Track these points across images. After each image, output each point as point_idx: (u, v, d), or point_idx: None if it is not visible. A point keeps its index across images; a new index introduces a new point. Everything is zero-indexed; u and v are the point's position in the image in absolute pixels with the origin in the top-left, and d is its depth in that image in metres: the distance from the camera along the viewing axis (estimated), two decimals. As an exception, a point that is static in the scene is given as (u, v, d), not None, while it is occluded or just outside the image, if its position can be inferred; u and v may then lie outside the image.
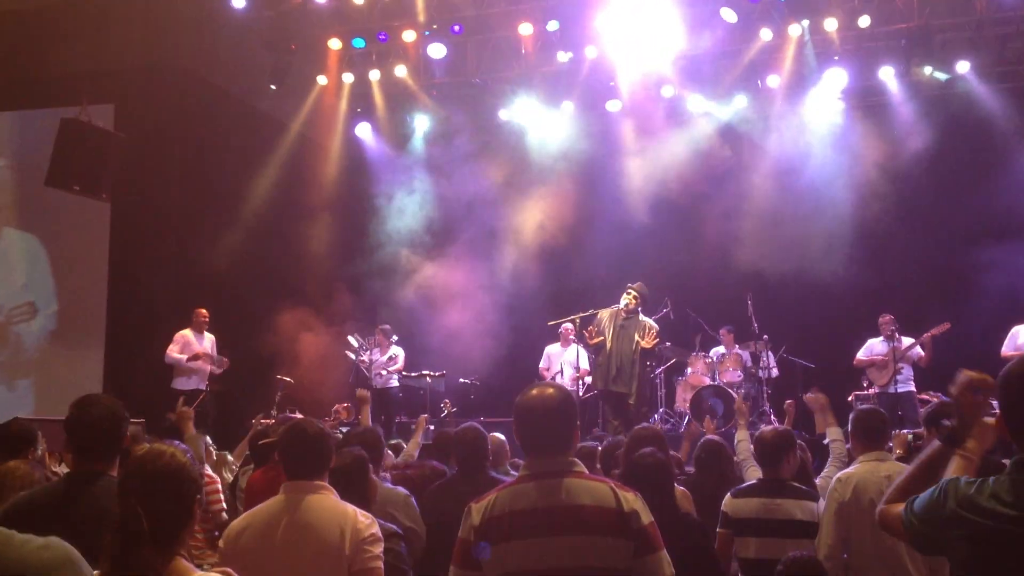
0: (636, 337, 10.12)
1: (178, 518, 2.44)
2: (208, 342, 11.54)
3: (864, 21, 11.85)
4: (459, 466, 5.18)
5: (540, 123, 13.89)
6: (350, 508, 3.53)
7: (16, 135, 13.27)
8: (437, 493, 5.07)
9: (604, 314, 10.35)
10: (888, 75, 12.66)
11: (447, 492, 4.96)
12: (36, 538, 1.80)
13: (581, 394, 11.09)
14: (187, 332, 11.46)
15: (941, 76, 12.41)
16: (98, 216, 12.48)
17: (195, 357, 11.26)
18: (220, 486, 6.37)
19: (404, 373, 12.47)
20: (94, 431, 3.46)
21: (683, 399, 11.90)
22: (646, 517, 2.96)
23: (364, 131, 14.47)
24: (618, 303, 10.50)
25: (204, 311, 11.52)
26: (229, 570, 2.51)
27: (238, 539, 3.49)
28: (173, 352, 11.28)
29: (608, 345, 10.15)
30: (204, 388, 11.26)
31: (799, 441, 5.38)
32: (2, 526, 1.96)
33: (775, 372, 12.01)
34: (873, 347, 11.28)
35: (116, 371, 12.05)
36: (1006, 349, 10.54)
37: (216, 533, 6.10)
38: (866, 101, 13.26)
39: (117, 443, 3.48)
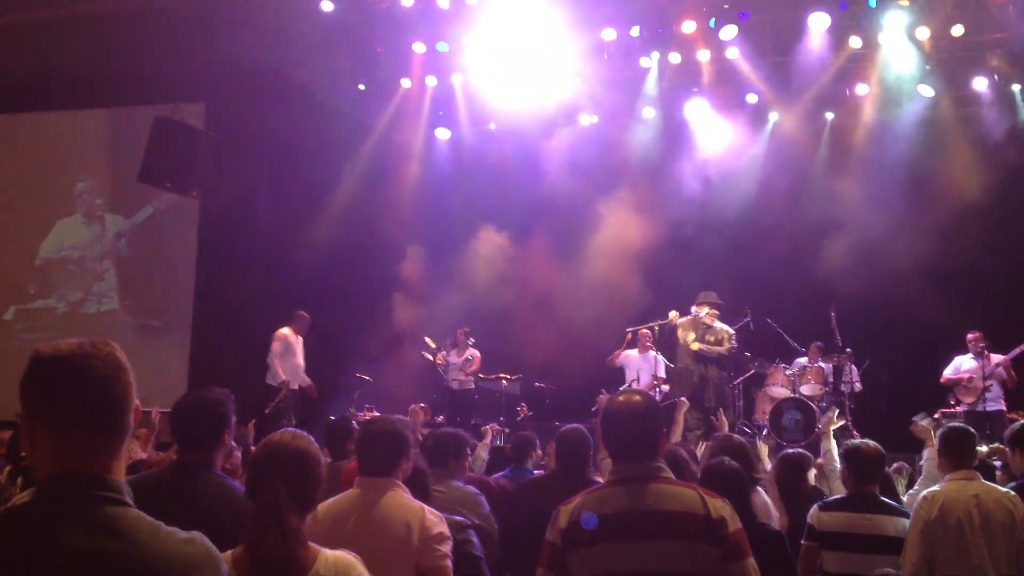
0: (711, 341, 10.05)
1: (311, 493, 2.76)
2: (300, 343, 11.76)
3: (958, 30, 11.56)
4: (559, 465, 5.18)
5: (620, 128, 13.85)
6: (418, 505, 3.59)
7: (111, 131, 13.64)
8: (534, 489, 5.07)
9: (683, 321, 10.28)
10: (982, 86, 12.37)
11: (545, 490, 4.95)
12: (180, 531, 1.77)
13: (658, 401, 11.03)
14: (287, 331, 11.69)
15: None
16: (188, 212, 12.79)
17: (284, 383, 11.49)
18: None
19: (480, 375, 12.52)
20: (200, 421, 3.54)
21: (763, 411, 11.73)
22: (734, 524, 2.96)
23: (445, 135, 14.58)
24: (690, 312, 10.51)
25: (305, 315, 11.73)
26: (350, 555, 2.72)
27: (311, 530, 3.55)
28: (276, 350, 11.54)
29: (689, 358, 10.10)
30: (293, 387, 11.49)
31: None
32: None
33: (858, 386, 11.77)
34: (961, 365, 10.99)
35: (200, 365, 12.34)
36: None
37: None
38: (960, 112, 12.94)
39: (220, 436, 3.55)
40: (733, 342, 10.31)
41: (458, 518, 4.09)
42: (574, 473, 4.98)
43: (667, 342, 11.20)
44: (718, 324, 10.26)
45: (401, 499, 3.58)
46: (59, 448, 1.74)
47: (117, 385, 1.80)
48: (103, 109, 13.59)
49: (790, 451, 5.94)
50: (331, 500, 3.68)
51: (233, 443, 3.85)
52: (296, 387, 11.65)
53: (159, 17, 12.49)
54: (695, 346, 10.23)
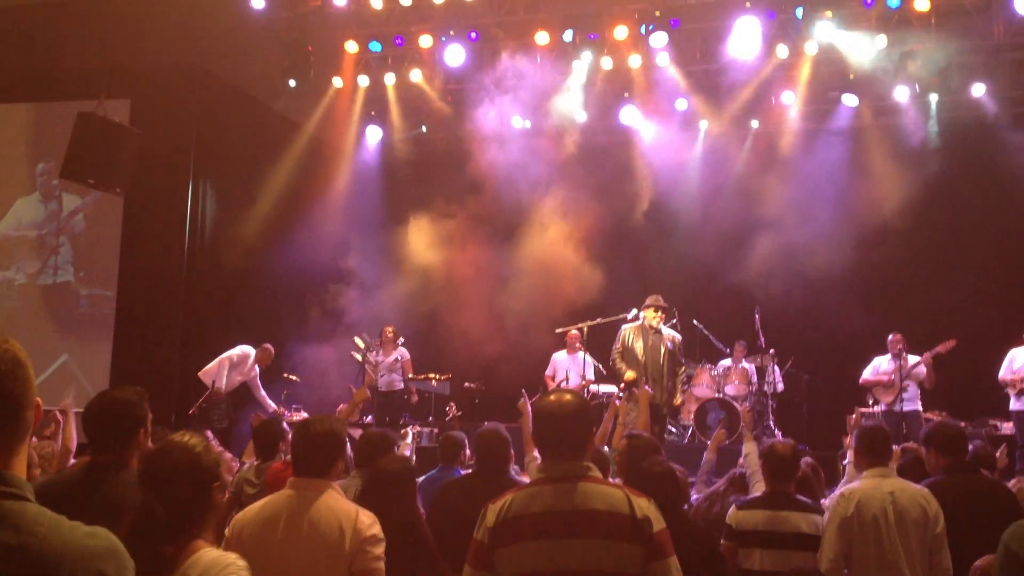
0: (663, 349, 10.10)
1: (195, 506, 2.59)
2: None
3: (881, 41, 11.85)
4: (478, 466, 5.19)
5: (553, 131, 13.94)
6: (352, 507, 3.57)
7: (33, 127, 13.35)
8: (454, 491, 5.08)
9: (629, 330, 10.31)
10: (903, 96, 12.72)
11: (465, 491, 4.97)
12: (83, 525, 1.77)
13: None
14: (253, 354, 11.67)
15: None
16: (112, 209, 12.57)
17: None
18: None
19: (410, 375, 12.49)
20: (110, 421, 3.51)
21: (687, 411, 11.91)
22: (658, 524, 3.01)
23: (376, 135, 14.51)
24: (628, 314, 10.55)
25: (270, 348, 11.78)
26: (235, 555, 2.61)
27: (243, 531, 3.54)
28: (233, 359, 11.51)
29: (641, 358, 10.12)
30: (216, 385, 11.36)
31: (809, 458, 5.40)
32: None
33: (780, 386, 12.03)
34: (879, 365, 11.27)
35: (123, 364, 12.10)
36: (1003, 373, 10.60)
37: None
38: (881, 122, 13.29)
39: (133, 436, 3.51)
40: (681, 346, 10.42)
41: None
42: (494, 472, 5.01)
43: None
44: (666, 330, 10.32)
45: (335, 501, 3.56)
46: None
47: (15, 382, 1.79)
48: (25, 104, 13.27)
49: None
50: (263, 500, 3.67)
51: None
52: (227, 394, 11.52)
53: (82, 11, 12.25)
54: (677, 401, 10.30)
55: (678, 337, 10.39)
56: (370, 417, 11.63)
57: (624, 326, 10.40)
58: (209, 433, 7.64)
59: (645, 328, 10.18)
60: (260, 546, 3.45)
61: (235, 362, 11.50)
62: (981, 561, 3.94)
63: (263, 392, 11.79)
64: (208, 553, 2.56)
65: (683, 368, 10.41)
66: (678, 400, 10.39)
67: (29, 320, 12.92)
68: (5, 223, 13.27)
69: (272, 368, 12.09)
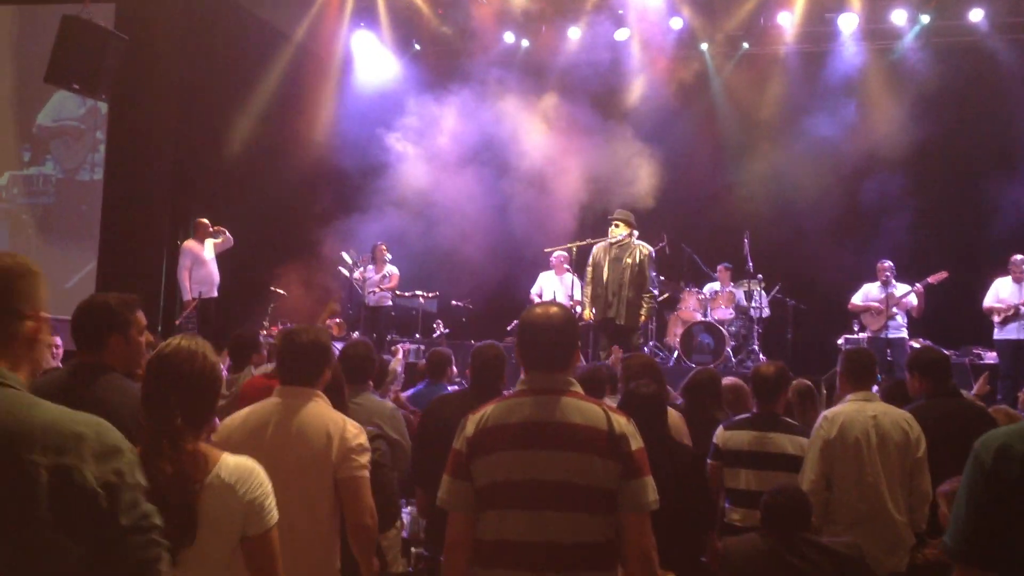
0: (627, 262, 10.02)
1: (203, 409, 2.69)
2: (209, 250, 11.53)
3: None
4: (472, 380, 5.20)
5: (543, 47, 13.71)
6: (339, 416, 3.59)
7: (16, 30, 13.05)
8: (447, 405, 5.06)
9: (598, 249, 10.28)
10: (901, 19, 12.55)
11: (458, 405, 4.96)
12: (66, 408, 1.95)
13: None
14: (190, 242, 11.47)
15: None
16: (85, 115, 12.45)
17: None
18: None
19: (397, 292, 12.48)
20: (89, 323, 3.50)
21: (674, 333, 11.96)
22: (635, 442, 3.00)
23: (363, 44, 14.23)
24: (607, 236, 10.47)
25: (205, 220, 11.49)
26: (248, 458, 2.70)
27: (230, 436, 3.54)
28: (183, 264, 11.40)
29: (605, 276, 10.08)
30: (204, 296, 11.32)
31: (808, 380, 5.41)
32: None
33: (767, 312, 12.06)
34: (868, 293, 11.29)
35: (109, 272, 12.03)
36: (988, 302, 10.66)
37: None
38: (876, 44, 13.11)
39: (106, 338, 3.49)
40: (651, 261, 10.22)
41: (371, 428, 4.09)
42: (488, 388, 5.00)
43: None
44: (636, 242, 10.19)
45: (322, 409, 3.59)
46: None
47: (11, 291, 1.99)
48: (8, 6, 12.95)
49: (700, 371, 6.05)
50: (249, 408, 3.68)
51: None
52: (213, 295, 11.48)
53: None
54: (642, 317, 10.16)
55: (647, 249, 10.17)
56: (357, 332, 11.65)
57: (595, 245, 10.36)
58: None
59: (610, 246, 10.14)
60: (248, 452, 3.44)
61: (187, 264, 11.40)
62: (947, 484, 3.98)
63: (185, 273, 11.42)
64: (228, 459, 2.64)
65: (650, 282, 10.20)
66: (643, 316, 10.23)
67: (65, 217, 12.79)
68: (43, 115, 13.04)
69: (259, 282, 12.04)
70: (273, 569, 2.62)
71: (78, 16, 10.18)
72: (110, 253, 12.29)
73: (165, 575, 1.96)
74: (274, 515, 2.65)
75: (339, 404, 3.85)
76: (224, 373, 6.61)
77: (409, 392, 6.94)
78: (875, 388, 5.51)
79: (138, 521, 1.91)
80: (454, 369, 7.21)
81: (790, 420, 5.09)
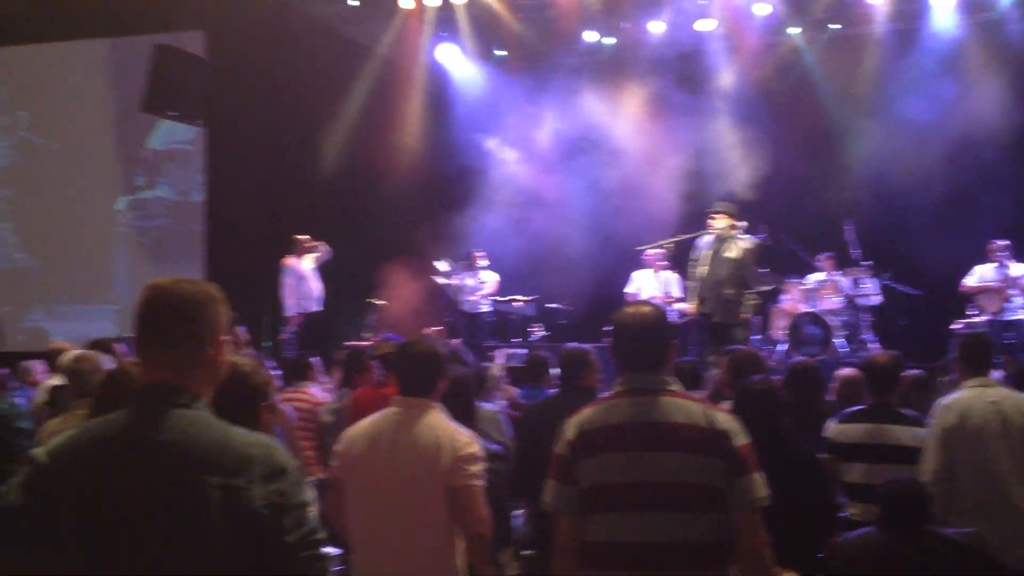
0: (727, 256, 9.70)
1: (245, 425, 2.63)
2: (309, 264, 11.73)
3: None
4: (562, 384, 5.19)
5: (626, 42, 13.57)
6: (451, 425, 3.65)
7: (112, 62, 13.53)
8: (539, 409, 5.07)
9: (699, 243, 10.01)
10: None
11: (549, 409, 4.94)
12: (243, 430, 2.13)
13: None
14: (291, 259, 11.72)
15: None
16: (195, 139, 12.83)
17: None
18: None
19: (495, 298, 12.49)
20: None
21: (779, 326, 11.67)
22: (739, 439, 2.95)
23: (446, 55, 14.31)
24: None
25: (302, 236, 11.70)
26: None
27: (352, 446, 3.69)
28: (284, 282, 11.64)
29: (704, 271, 9.80)
30: (307, 311, 11.54)
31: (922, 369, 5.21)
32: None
33: (876, 299, 11.66)
34: (983, 274, 10.86)
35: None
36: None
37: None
38: (980, 18, 12.59)
39: None
40: (754, 254, 9.83)
41: (493, 447, 4.17)
42: (576, 389, 4.97)
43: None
44: (739, 235, 9.82)
45: (435, 419, 3.65)
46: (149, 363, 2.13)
47: (199, 315, 2.15)
48: (102, 39, 13.46)
49: (802, 360, 5.87)
50: (372, 417, 3.78)
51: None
52: (316, 309, 11.69)
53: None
54: (745, 315, 9.81)
55: (750, 243, 9.77)
56: (458, 340, 11.66)
57: (698, 239, 10.07)
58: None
59: (714, 238, 9.82)
60: (367, 460, 3.62)
61: (289, 282, 11.58)
62: None
63: (287, 291, 11.68)
64: None
65: (752, 277, 9.83)
66: (743, 314, 9.77)
67: (179, 238, 13.27)
68: (155, 138, 13.52)
69: (359, 294, 12.20)
70: None
71: (170, 45, 10.50)
72: (215, 272, 12.63)
73: None
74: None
75: (464, 414, 3.92)
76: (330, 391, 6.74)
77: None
78: (995, 373, 5.28)
79: (302, 538, 2.02)
80: (553, 372, 7.16)
81: (906, 411, 4.90)
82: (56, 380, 6.24)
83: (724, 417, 2.99)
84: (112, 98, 13.24)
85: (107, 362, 4.80)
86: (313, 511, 2.08)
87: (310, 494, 2.07)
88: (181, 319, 2.11)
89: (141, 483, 1.96)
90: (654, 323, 3.12)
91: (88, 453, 2.00)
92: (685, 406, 3.00)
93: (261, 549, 1.97)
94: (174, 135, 13.26)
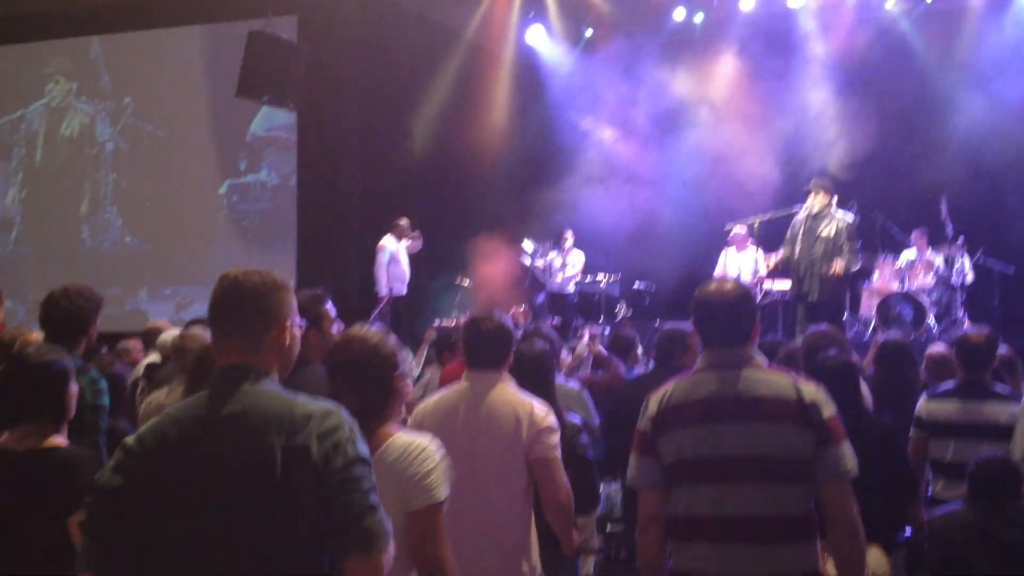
0: (823, 234, 9.54)
1: (379, 394, 2.81)
2: (403, 250, 11.96)
3: None
4: (657, 363, 5.26)
5: (714, 22, 13.44)
6: (527, 398, 3.68)
7: (206, 48, 13.88)
8: (633, 388, 5.14)
9: (796, 221, 9.88)
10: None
11: (641, 387, 4.99)
12: (311, 399, 2.30)
13: (758, 300, 10.77)
14: (388, 239, 11.87)
15: None
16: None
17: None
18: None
19: (580, 277, 12.52)
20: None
21: (868, 306, 11.46)
22: (827, 410, 2.95)
23: (537, 35, 14.33)
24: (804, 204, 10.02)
25: (404, 222, 11.92)
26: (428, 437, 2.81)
27: (423, 421, 3.70)
28: (380, 261, 11.81)
29: (798, 250, 9.68)
30: (396, 294, 11.75)
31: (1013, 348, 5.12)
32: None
33: (970, 277, 11.37)
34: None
35: (307, 273, 12.64)
36: None
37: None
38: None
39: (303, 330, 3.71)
40: (852, 231, 9.67)
41: (573, 419, 4.18)
42: (672, 369, 4.99)
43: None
44: (835, 212, 9.67)
45: (509, 392, 3.69)
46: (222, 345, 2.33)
47: (262, 301, 2.32)
48: (197, 26, 13.81)
49: (893, 338, 5.81)
50: (441, 392, 3.84)
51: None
52: (403, 292, 11.90)
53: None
54: (831, 230, 9.55)
55: (845, 219, 9.65)
56: (556, 319, 11.72)
57: (795, 216, 9.95)
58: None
59: (808, 217, 9.68)
60: (442, 434, 3.54)
61: (383, 261, 11.77)
62: None
63: (382, 269, 11.78)
64: (400, 438, 2.75)
65: (851, 253, 9.72)
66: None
67: (280, 221, 13.59)
68: (257, 123, 13.83)
69: (446, 273, 12.36)
70: (434, 545, 2.65)
71: (263, 31, 10.75)
72: (307, 254, 12.92)
73: (382, 522, 2.19)
74: (440, 492, 2.68)
75: (543, 390, 3.95)
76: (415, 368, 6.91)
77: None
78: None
79: (352, 479, 2.16)
80: (639, 351, 7.20)
81: (1000, 388, 4.82)
82: (152, 358, 6.53)
83: (812, 389, 2.98)
84: (213, 84, 13.51)
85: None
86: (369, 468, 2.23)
87: (362, 448, 2.22)
88: (247, 307, 2.30)
89: (214, 453, 2.16)
90: (737, 298, 3.11)
91: (170, 435, 2.22)
92: (771, 379, 3.00)
93: (315, 493, 2.14)
94: (275, 120, 13.52)
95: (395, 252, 11.86)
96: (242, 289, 2.31)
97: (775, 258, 9.91)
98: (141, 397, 5.56)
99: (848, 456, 2.92)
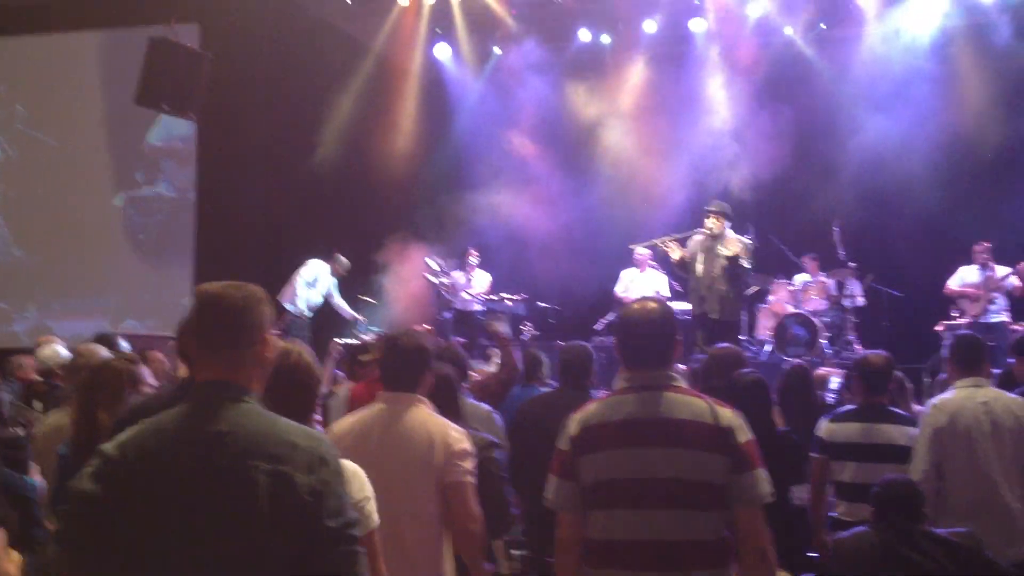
0: (721, 253, 9.75)
1: (302, 406, 2.86)
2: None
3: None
4: (561, 380, 5.22)
5: (619, 43, 13.64)
6: (442, 421, 3.61)
7: (104, 54, 13.48)
8: (536, 406, 5.10)
9: (693, 242, 10.05)
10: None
11: (547, 405, 4.98)
12: (294, 423, 2.31)
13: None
14: (323, 266, 11.95)
15: None
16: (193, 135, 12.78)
17: None
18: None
19: (487, 296, 12.52)
20: None
21: (765, 327, 11.76)
22: (743, 435, 2.97)
23: (443, 52, 14.32)
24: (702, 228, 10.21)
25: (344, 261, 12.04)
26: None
27: (339, 443, 3.57)
28: (303, 275, 11.86)
29: (700, 270, 9.83)
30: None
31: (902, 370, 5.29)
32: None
33: (861, 301, 11.77)
34: (965, 277, 10.97)
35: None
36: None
37: None
38: (967, 20, 12.67)
39: None
40: (748, 253, 9.87)
41: (485, 435, 4.12)
42: (576, 387, 5.01)
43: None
44: (730, 234, 9.87)
45: (424, 414, 3.61)
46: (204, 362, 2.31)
47: (243, 317, 2.32)
48: (96, 31, 13.40)
49: (796, 363, 5.97)
50: (355, 415, 3.74)
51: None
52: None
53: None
54: (731, 251, 9.68)
55: (743, 243, 9.83)
56: (461, 339, 11.67)
57: (691, 238, 10.11)
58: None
59: (705, 238, 9.86)
60: (356, 458, 3.49)
61: (309, 281, 11.69)
62: None
63: (340, 301, 12.09)
64: None
65: (746, 276, 9.94)
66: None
67: (176, 235, 13.21)
68: (154, 134, 13.53)
69: (348, 290, 12.22)
70: (374, 571, 2.70)
71: (165, 37, 10.45)
72: (205, 269, 12.63)
73: (364, 565, 2.22)
74: (373, 519, 2.77)
75: (450, 409, 3.89)
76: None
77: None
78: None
79: (341, 526, 2.17)
80: (546, 370, 7.20)
81: (898, 410, 4.97)
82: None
83: (729, 413, 2.99)
84: (110, 92, 13.18)
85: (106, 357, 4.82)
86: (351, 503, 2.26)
87: (371, 499, 2.37)
88: (228, 324, 2.29)
89: (198, 470, 2.14)
90: (660, 319, 3.12)
91: (151, 446, 2.19)
92: (690, 402, 3.00)
93: (304, 533, 2.12)
94: (173, 131, 13.23)
95: (324, 281, 11.89)
96: (223, 305, 2.31)
97: (675, 255, 10.01)
98: (29, 415, 5.39)
99: (763, 482, 2.95)
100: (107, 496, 2.14)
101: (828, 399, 6.40)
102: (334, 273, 12.01)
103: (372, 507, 2.80)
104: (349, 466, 2.73)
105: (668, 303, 3.37)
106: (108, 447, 2.21)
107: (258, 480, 2.12)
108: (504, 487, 4.13)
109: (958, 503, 4.51)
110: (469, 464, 3.55)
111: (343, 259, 12.02)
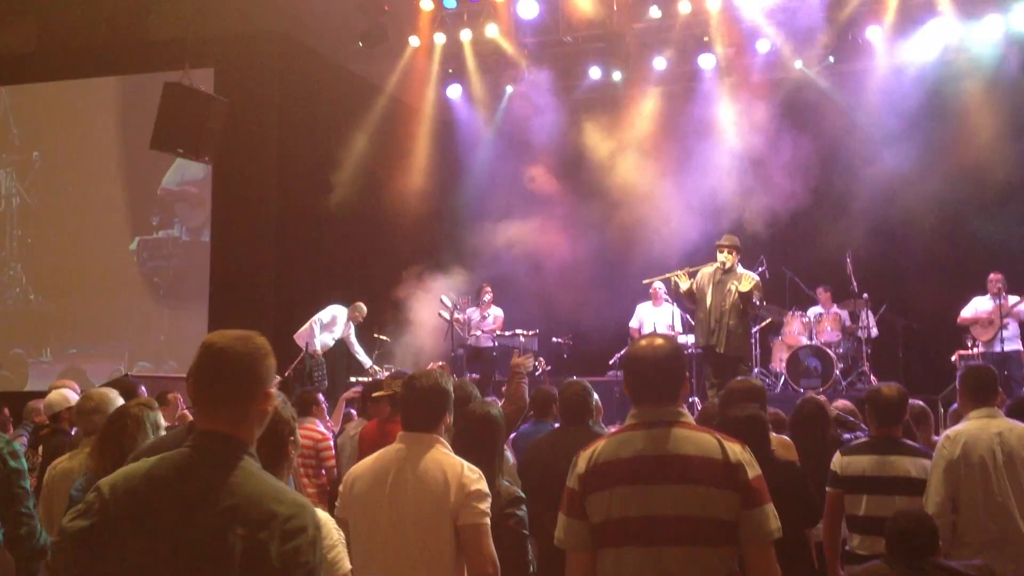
0: (732, 288, 9.74)
1: (273, 457, 2.81)
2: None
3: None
4: (561, 418, 5.21)
5: (630, 80, 13.75)
6: (457, 461, 3.57)
7: (121, 99, 13.66)
8: (542, 445, 5.10)
9: (702, 275, 10.06)
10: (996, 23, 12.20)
11: (551, 444, 4.99)
12: (279, 484, 2.34)
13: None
14: (345, 312, 12.08)
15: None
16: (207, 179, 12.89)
17: None
18: (332, 443, 6.62)
19: (499, 332, 12.55)
20: None
21: (779, 359, 11.74)
22: (752, 471, 2.95)
23: (455, 93, 14.47)
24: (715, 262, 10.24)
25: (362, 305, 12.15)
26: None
27: (354, 485, 3.62)
28: (321, 318, 11.96)
29: (708, 302, 9.84)
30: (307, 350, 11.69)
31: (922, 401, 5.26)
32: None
33: (875, 332, 11.75)
34: (978, 305, 10.95)
35: (219, 330, 12.40)
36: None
37: (328, 488, 6.36)
38: (975, 53, 12.71)
39: None
40: (758, 287, 9.88)
41: (515, 489, 4.07)
42: (577, 423, 5.01)
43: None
44: (740, 269, 9.89)
45: (441, 455, 3.58)
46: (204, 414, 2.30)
47: (265, 368, 2.32)
48: (112, 77, 13.60)
49: (809, 397, 5.95)
50: (375, 454, 3.71)
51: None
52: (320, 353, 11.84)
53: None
54: (745, 286, 9.71)
55: (753, 277, 9.87)
56: (475, 375, 11.70)
57: (701, 271, 10.12)
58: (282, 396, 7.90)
59: (716, 271, 9.88)
60: (371, 499, 3.53)
61: (325, 323, 11.78)
62: None
63: (358, 347, 12.19)
64: None
65: (757, 311, 9.95)
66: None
67: (191, 278, 13.32)
68: (169, 177, 13.63)
69: (363, 328, 12.28)
70: None
71: (179, 83, 10.62)
72: (219, 310, 12.69)
73: None
74: (344, 564, 2.83)
75: (489, 455, 3.94)
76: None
77: (514, 433, 6.95)
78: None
79: None
80: (557, 407, 7.19)
81: (912, 442, 4.94)
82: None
83: (738, 449, 2.97)
84: (126, 137, 13.36)
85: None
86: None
87: (337, 546, 2.34)
88: (232, 379, 2.27)
89: (179, 523, 2.16)
90: (668, 356, 3.10)
91: (141, 491, 2.20)
92: (699, 438, 2.98)
93: None
94: (187, 175, 13.35)
95: (342, 325, 11.98)
96: (226, 359, 2.28)
97: (684, 285, 10.02)
98: (33, 460, 5.49)
99: (772, 518, 2.93)
100: (92, 533, 2.17)
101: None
102: (352, 319, 12.08)
103: (338, 554, 2.84)
104: (320, 516, 2.77)
105: (677, 339, 3.38)
106: (104, 483, 2.25)
107: (234, 546, 2.13)
108: (526, 544, 4.06)
109: (973, 535, 4.47)
110: (484, 505, 3.49)
111: (362, 306, 12.12)
